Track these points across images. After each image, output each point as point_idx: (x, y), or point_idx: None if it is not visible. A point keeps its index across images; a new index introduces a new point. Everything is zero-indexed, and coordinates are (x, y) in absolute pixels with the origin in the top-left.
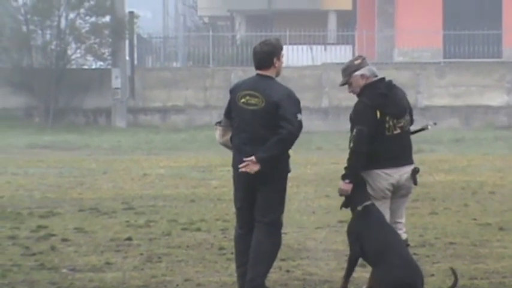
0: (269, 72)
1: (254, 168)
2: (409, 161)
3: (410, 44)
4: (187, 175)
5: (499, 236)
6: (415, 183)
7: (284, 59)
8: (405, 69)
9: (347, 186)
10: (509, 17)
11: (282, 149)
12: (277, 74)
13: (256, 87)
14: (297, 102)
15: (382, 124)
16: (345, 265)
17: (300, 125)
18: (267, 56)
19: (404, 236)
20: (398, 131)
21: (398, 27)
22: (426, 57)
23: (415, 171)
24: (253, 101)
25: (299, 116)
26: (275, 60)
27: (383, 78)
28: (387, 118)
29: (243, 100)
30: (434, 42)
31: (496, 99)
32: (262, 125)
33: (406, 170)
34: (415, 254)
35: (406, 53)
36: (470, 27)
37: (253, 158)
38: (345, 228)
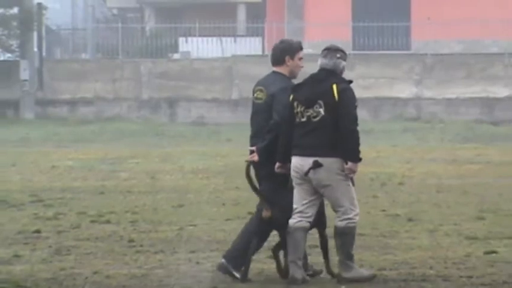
0: (281, 70)
1: (254, 158)
2: (313, 153)
3: (320, 36)
4: (96, 167)
5: (407, 227)
6: (305, 174)
7: (301, 62)
8: (314, 61)
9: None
10: (417, 9)
11: (270, 138)
12: (292, 74)
13: (264, 83)
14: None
15: (292, 109)
16: (257, 256)
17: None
18: (279, 52)
19: (340, 223)
20: (304, 119)
21: (308, 19)
22: None
23: (314, 165)
24: (260, 95)
25: None
26: (287, 58)
27: (320, 69)
28: (295, 104)
29: (255, 95)
30: (343, 34)
31: (404, 91)
32: (265, 118)
33: (308, 162)
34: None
35: (316, 45)
36: (379, 19)
37: (254, 148)
38: None
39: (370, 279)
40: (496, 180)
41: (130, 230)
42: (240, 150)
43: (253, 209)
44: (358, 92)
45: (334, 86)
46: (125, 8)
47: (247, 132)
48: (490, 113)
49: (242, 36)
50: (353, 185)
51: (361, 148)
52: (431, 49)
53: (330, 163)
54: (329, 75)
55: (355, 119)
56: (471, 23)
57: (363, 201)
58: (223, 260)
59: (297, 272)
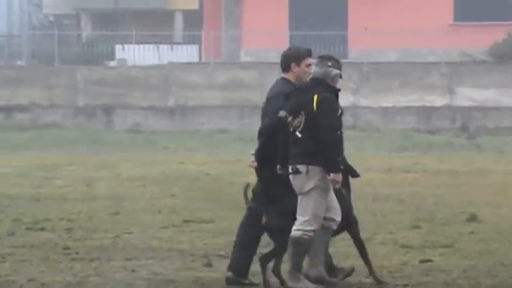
0: (288, 76)
1: (253, 164)
2: (294, 161)
3: (257, 44)
4: (32, 174)
5: (343, 236)
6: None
7: (309, 68)
8: (252, 69)
9: None
10: (354, 18)
11: (261, 142)
12: (298, 80)
13: (270, 88)
14: (284, 98)
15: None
16: (193, 264)
17: (279, 121)
18: (285, 59)
19: (295, 233)
20: (292, 129)
21: (245, 28)
22: (273, 58)
23: (293, 171)
24: (266, 100)
25: (281, 113)
26: (293, 65)
27: (310, 78)
28: (287, 114)
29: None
30: (281, 43)
31: (341, 99)
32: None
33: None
34: (260, 253)
35: (253, 53)
36: (316, 28)
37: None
38: (190, 228)
39: None
40: (432, 189)
41: (66, 238)
42: (176, 158)
43: (189, 217)
44: None
45: (315, 96)
46: (61, 14)
47: (184, 139)
48: (426, 121)
49: (179, 43)
50: (349, 197)
51: None
52: (368, 58)
53: (306, 171)
54: (316, 84)
55: (333, 129)
56: (408, 33)
57: None
58: (230, 274)
59: (312, 272)
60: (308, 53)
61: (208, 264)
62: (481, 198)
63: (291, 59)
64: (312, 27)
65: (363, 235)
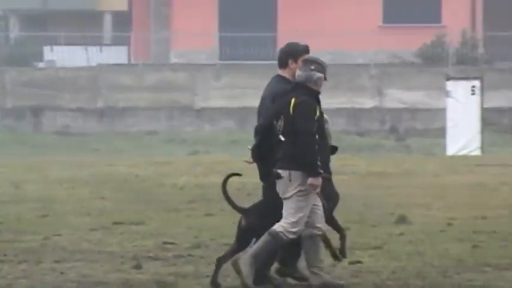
0: (285, 73)
1: (249, 160)
2: (276, 165)
3: (186, 46)
4: None
5: None
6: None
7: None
8: (181, 71)
9: None
10: (284, 20)
11: (257, 141)
12: (295, 77)
13: (265, 87)
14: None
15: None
16: (122, 266)
17: (271, 121)
18: (283, 56)
19: (275, 227)
20: (277, 131)
21: (174, 29)
22: (202, 59)
23: (275, 176)
24: (261, 100)
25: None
26: (290, 61)
27: (295, 82)
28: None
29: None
30: (210, 44)
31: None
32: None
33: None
34: (190, 255)
35: (182, 54)
36: (246, 30)
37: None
38: (120, 230)
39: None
40: (361, 190)
41: None
42: (106, 160)
43: (118, 219)
44: (225, 102)
45: (293, 100)
46: None
47: (113, 141)
48: (356, 123)
49: (108, 45)
50: (333, 205)
51: (228, 158)
52: None
53: (288, 175)
54: (296, 88)
55: (308, 133)
56: (338, 34)
57: (229, 211)
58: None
59: (313, 279)
60: (305, 50)
61: (138, 266)
62: (410, 199)
63: (288, 55)
64: (241, 29)
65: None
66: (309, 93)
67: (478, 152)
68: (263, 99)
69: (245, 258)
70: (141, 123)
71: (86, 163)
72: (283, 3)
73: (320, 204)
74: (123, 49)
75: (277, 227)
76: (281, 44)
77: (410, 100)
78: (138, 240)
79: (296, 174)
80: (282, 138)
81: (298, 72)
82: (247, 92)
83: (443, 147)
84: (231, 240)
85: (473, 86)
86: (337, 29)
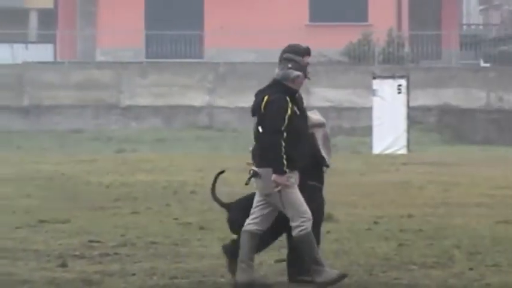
0: None
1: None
2: (255, 163)
3: (113, 44)
4: None
5: (199, 235)
6: (246, 183)
7: (308, 66)
8: (107, 69)
9: None
10: (210, 18)
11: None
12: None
13: None
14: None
15: None
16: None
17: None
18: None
19: (293, 233)
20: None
21: (100, 27)
22: (128, 57)
23: (252, 174)
24: None
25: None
26: None
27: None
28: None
29: None
30: (136, 42)
31: (197, 99)
32: None
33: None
34: (116, 253)
35: (109, 52)
36: (172, 28)
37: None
38: (45, 228)
39: (340, 279)
40: None
41: None
42: (31, 158)
43: (44, 217)
44: (151, 100)
45: (265, 98)
46: None
47: (39, 139)
48: None
49: (34, 42)
50: (320, 218)
51: (154, 156)
52: (224, 58)
53: (266, 173)
54: (271, 86)
55: (274, 130)
56: (263, 33)
57: (155, 210)
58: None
59: (239, 275)
60: (307, 51)
61: (64, 265)
62: (336, 198)
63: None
64: (168, 27)
65: (220, 235)
66: (285, 91)
67: (404, 151)
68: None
69: (313, 273)
70: (67, 121)
71: (10, 161)
72: (209, 2)
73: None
74: (49, 47)
75: (293, 230)
76: (208, 42)
77: (336, 99)
78: (63, 239)
79: (270, 171)
80: (261, 130)
81: (276, 70)
82: (174, 90)
83: (370, 146)
84: (157, 238)
85: (400, 85)
86: (264, 28)
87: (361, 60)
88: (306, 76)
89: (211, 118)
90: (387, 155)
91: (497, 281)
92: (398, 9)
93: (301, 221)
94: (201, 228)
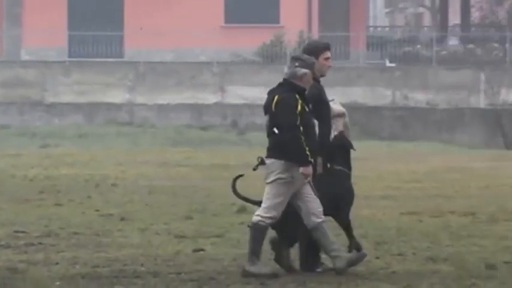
0: None
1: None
2: (266, 155)
3: (37, 43)
4: None
5: (120, 226)
6: (254, 168)
7: (327, 61)
8: (32, 68)
9: None
10: (130, 19)
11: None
12: (319, 73)
13: None
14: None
15: None
16: None
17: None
18: (306, 52)
19: (254, 218)
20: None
21: (25, 27)
22: (52, 56)
23: (260, 162)
24: None
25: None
26: None
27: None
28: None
29: None
30: (60, 42)
31: (118, 96)
32: None
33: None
34: (40, 243)
35: (33, 51)
36: (94, 28)
37: None
38: None
39: (271, 277)
40: (204, 182)
41: None
42: None
43: None
44: (74, 97)
45: (276, 97)
46: None
47: None
48: (198, 118)
49: None
50: (348, 204)
51: (76, 151)
52: (144, 57)
53: (270, 163)
54: (281, 85)
55: (290, 126)
56: (181, 34)
57: (77, 201)
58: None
59: (337, 262)
60: (326, 47)
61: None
62: (250, 190)
63: (309, 53)
64: (90, 28)
65: (140, 225)
66: (293, 89)
67: None
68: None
69: (248, 262)
70: None
71: None
72: (129, 3)
73: (311, 193)
74: None
75: (254, 218)
76: (128, 42)
77: (250, 96)
78: None
79: (278, 163)
80: (276, 131)
81: (285, 69)
82: (95, 88)
83: None
84: (80, 229)
85: None
86: (181, 29)
87: (274, 60)
88: (314, 73)
89: (131, 115)
90: None
91: (402, 268)
92: (309, 12)
93: (267, 216)
94: (122, 219)
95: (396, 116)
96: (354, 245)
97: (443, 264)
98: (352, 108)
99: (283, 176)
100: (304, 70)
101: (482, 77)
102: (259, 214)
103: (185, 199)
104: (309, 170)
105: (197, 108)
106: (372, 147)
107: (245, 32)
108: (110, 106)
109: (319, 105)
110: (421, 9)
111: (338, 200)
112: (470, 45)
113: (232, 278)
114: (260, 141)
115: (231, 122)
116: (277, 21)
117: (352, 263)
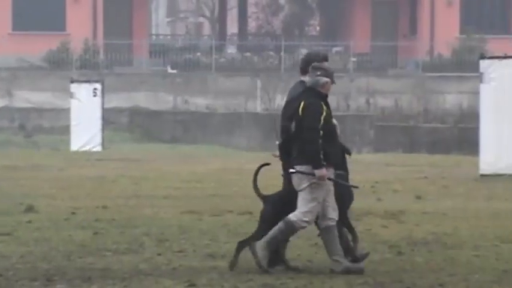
0: (306, 78)
1: (276, 154)
2: (294, 163)
3: None
4: None
5: None
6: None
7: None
8: None
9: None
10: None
11: (284, 140)
12: None
13: (289, 91)
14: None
15: None
16: None
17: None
18: (303, 63)
19: (291, 216)
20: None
21: None
22: None
23: (290, 173)
24: (285, 103)
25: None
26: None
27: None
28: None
29: None
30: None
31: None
32: None
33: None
34: None
35: None
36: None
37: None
38: None
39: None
40: None
41: None
42: None
43: None
44: None
45: (302, 104)
46: None
47: None
48: None
49: None
50: (346, 205)
51: None
52: None
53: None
54: (306, 92)
55: (313, 129)
56: None
57: None
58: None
59: (336, 266)
60: (325, 57)
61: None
62: (37, 191)
63: (308, 63)
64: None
65: None
66: (317, 96)
67: (99, 148)
68: (287, 103)
69: (261, 242)
70: None
71: None
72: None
73: (331, 200)
74: None
75: (291, 216)
76: None
77: (38, 100)
78: None
79: (307, 170)
80: (296, 138)
81: (306, 78)
82: None
83: (68, 144)
84: None
85: (95, 89)
86: None
87: (60, 65)
88: (333, 81)
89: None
90: (84, 152)
91: (183, 265)
92: (94, 20)
93: (305, 220)
94: None
95: (177, 120)
96: (354, 237)
97: (221, 261)
98: (135, 112)
99: (314, 182)
100: (325, 79)
101: (259, 83)
102: (297, 216)
103: None
104: (322, 172)
105: None
106: (154, 149)
107: (32, 39)
108: None
109: None
110: (201, 19)
111: (338, 200)
112: (247, 54)
113: (20, 274)
114: (47, 143)
115: (19, 125)
116: (63, 28)
117: (348, 271)
